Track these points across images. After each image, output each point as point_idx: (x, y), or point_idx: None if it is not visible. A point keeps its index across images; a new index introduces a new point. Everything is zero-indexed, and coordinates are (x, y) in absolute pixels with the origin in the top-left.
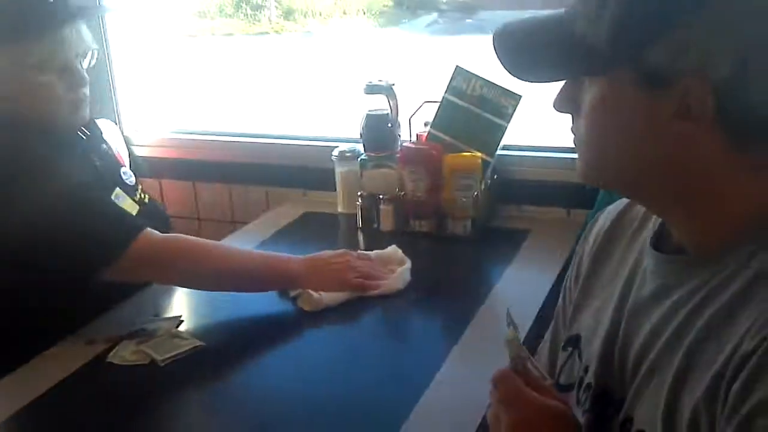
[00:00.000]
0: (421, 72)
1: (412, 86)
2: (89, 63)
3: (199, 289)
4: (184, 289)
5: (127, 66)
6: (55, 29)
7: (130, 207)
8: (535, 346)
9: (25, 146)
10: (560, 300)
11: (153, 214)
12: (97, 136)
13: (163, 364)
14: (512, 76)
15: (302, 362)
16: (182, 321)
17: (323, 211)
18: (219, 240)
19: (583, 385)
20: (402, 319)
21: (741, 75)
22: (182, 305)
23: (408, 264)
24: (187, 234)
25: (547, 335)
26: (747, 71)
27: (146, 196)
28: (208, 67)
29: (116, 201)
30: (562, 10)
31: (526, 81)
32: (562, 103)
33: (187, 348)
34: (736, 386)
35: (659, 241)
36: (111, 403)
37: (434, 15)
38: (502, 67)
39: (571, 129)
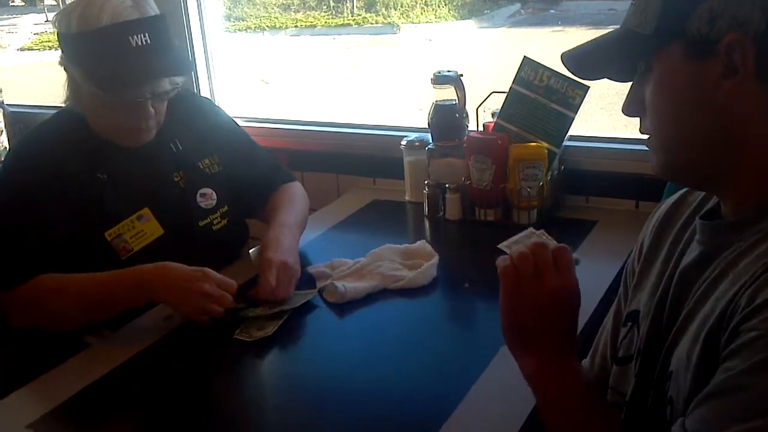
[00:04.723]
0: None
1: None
2: (168, 95)
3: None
4: None
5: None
6: (134, 88)
7: (153, 229)
8: (593, 334)
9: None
10: (622, 281)
11: (213, 241)
12: (186, 153)
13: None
14: (579, 77)
15: (371, 346)
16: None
17: (391, 199)
18: None
19: (639, 355)
20: (458, 306)
21: None
22: None
23: (435, 259)
24: None
25: (609, 315)
26: None
27: (222, 222)
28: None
29: (139, 221)
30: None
31: (591, 79)
32: (629, 107)
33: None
34: (738, 315)
35: (711, 216)
36: (181, 375)
37: (517, 6)
38: (570, 71)
39: (640, 130)
